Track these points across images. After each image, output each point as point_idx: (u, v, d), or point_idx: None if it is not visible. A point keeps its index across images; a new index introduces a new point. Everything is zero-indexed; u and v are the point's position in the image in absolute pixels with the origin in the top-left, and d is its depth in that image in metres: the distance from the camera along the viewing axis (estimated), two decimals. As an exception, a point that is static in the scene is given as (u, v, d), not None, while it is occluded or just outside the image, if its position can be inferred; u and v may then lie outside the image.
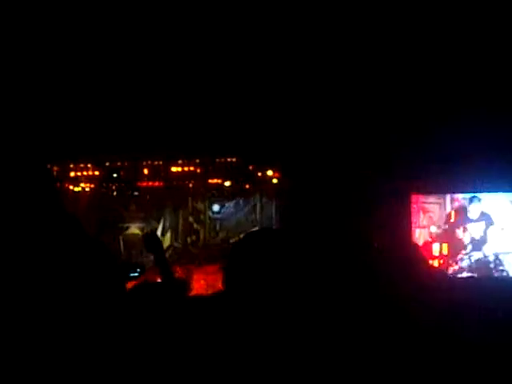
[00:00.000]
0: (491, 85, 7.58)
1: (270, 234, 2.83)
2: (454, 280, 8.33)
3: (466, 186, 8.92)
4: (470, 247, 8.94)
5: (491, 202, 9.03)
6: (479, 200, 8.99)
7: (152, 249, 4.37)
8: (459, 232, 9.00)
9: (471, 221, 9.01)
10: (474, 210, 9.01)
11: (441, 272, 7.92)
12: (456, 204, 9.14)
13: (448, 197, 9.18)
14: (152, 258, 4.56)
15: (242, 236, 2.68)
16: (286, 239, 2.73)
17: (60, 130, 8.31)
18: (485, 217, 8.98)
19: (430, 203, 9.18)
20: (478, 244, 8.93)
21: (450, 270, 8.83)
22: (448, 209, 9.15)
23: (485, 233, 8.92)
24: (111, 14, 6.67)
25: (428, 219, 9.11)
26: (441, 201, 9.21)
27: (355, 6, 6.65)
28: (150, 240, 4.44)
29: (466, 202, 9.08)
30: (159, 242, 4.49)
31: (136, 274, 4.59)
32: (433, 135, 8.20)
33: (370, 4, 6.65)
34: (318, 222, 8.54)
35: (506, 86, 7.51)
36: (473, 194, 9.02)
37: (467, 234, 8.97)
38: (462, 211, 9.06)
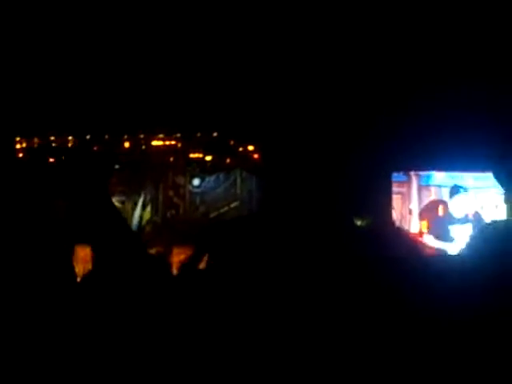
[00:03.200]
0: (474, 52, 7.56)
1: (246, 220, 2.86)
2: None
3: (450, 163, 8.77)
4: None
5: (481, 196, 8.75)
6: (465, 190, 8.80)
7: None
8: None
9: (456, 221, 8.76)
10: (457, 206, 8.81)
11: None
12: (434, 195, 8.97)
13: (414, 186, 9.05)
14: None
15: (221, 211, 2.68)
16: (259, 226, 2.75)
17: (40, 100, 8.26)
18: (474, 217, 8.73)
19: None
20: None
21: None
22: (414, 200, 9.02)
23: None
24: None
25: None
26: (404, 189, 9.07)
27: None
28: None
29: (445, 193, 8.87)
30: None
31: None
32: (413, 110, 8.20)
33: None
34: (297, 197, 8.54)
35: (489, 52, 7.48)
36: (455, 184, 8.82)
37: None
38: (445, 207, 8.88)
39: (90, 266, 2.95)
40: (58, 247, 2.88)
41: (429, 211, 8.95)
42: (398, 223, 8.79)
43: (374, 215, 7.54)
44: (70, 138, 9.56)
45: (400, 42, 7.47)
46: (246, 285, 2.60)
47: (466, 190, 8.80)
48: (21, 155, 9.27)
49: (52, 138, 9.53)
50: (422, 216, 9.00)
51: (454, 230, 8.74)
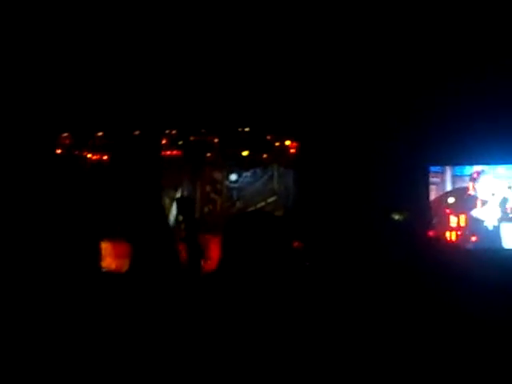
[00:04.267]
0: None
1: (264, 217, 2.86)
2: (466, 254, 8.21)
3: (486, 157, 8.74)
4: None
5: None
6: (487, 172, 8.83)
7: (183, 212, 4.45)
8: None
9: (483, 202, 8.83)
10: (484, 187, 8.89)
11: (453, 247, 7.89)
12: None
13: (448, 176, 9.00)
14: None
15: (258, 206, 2.68)
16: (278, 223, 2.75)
17: (80, 98, 8.34)
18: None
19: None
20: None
21: (468, 242, 8.76)
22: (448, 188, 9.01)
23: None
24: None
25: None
26: (438, 180, 9.06)
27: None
28: (184, 204, 4.53)
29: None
30: (192, 208, 4.55)
31: None
32: (451, 104, 8.15)
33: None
34: (334, 192, 8.53)
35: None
36: (481, 169, 8.84)
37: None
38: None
39: (127, 262, 2.99)
40: (88, 241, 2.92)
41: (465, 204, 8.91)
42: (434, 218, 8.75)
43: (412, 210, 7.50)
44: (108, 134, 9.64)
45: (435, 41, 7.44)
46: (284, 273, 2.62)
47: (486, 172, 8.82)
48: (59, 151, 9.38)
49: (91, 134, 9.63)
50: (458, 209, 8.95)
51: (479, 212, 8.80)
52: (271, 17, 7.27)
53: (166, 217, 3.17)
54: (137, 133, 9.57)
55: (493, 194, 8.80)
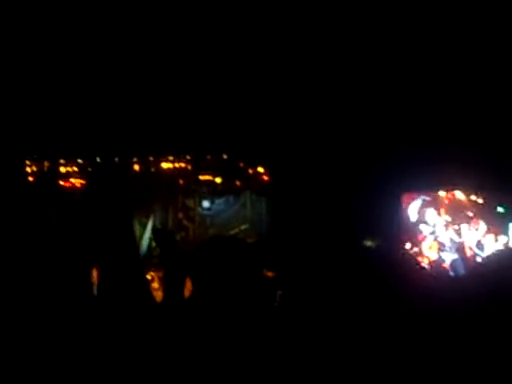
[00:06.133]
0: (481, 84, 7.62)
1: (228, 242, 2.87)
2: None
3: (459, 182, 8.86)
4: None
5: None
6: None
7: (161, 244, 4.37)
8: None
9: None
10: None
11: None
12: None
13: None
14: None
15: (231, 233, 2.68)
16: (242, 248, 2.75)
17: (50, 126, 8.29)
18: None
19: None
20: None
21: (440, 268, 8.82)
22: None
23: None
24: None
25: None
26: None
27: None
28: (160, 235, 4.45)
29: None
30: (169, 239, 4.45)
31: None
32: (422, 133, 8.22)
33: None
34: (307, 219, 8.53)
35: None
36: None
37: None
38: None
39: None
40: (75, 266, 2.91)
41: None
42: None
43: (384, 236, 7.52)
44: (80, 161, 9.59)
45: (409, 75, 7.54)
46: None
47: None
48: (31, 179, 9.31)
49: (61, 161, 9.58)
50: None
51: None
52: (239, 42, 7.29)
53: (136, 245, 3.15)
54: (109, 159, 9.54)
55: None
